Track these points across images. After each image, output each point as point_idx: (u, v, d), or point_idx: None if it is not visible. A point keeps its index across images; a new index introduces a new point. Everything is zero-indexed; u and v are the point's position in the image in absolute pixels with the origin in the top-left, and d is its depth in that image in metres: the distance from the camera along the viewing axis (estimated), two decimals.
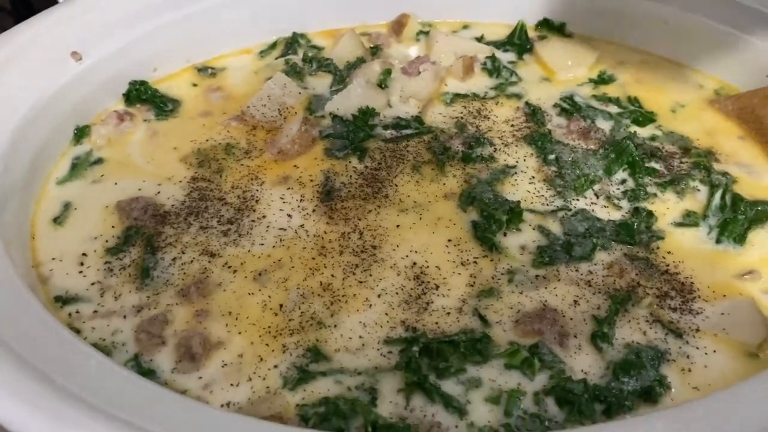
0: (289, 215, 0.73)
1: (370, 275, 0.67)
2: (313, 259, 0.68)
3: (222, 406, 0.57)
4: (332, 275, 0.67)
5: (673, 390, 0.59)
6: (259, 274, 0.67)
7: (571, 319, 0.64)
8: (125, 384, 0.52)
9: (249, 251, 0.69)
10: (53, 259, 0.69)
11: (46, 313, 0.57)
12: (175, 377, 0.59)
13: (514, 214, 0.71)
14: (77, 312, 0.64)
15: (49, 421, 0.47)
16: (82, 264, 0.68)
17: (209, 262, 0.68)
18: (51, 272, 0.68)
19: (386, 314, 0.64)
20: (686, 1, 0.95)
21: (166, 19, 0.92)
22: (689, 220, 0.74)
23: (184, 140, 0.83)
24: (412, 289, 0.66)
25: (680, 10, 0.95)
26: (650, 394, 0.58)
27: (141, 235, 0.71)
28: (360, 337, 0.62)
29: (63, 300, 0.65)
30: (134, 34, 0.89)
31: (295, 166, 0.80)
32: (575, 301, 0.66)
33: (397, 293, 0.65)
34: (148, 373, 0.59)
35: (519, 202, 0.72)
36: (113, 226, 0.72)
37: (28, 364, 0.50)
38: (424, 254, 0.69)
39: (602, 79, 0.94)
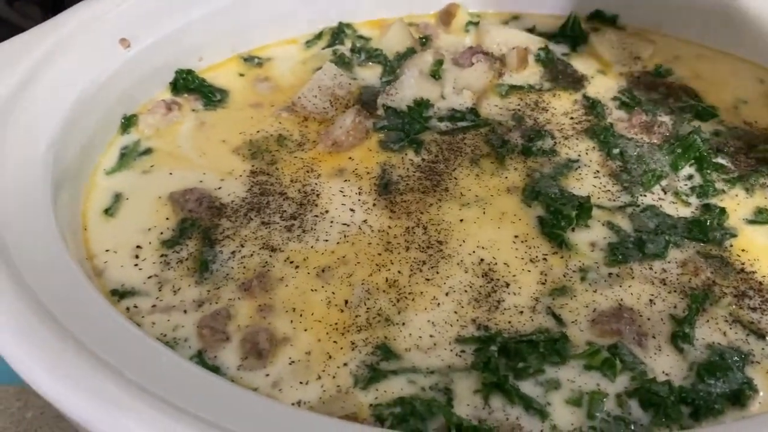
0: (352, 210, 0.70)
1: (437, 272, 0.64)
2: (379, 254, 0.66)
3: (293, 405, 0.54)
4: (399, 272, 0.64)
5: (761, 393, 0.56)
6: (323, 270, 0.64)
7: (649, 318, 0.62)
8: (199, 381, 0.49)
9: (312, 247, 0.66)
10: (107, 251, 0.67)
11: (110, 307, 0.55)
12: (242, 374, 0.57)
13: (584, 209, 0.69)
14: (135, 306, 0.62)
15: (125, 418, 0.45)
16: (137, 257, 0.66)
17: (270, 256, 0.66)
18: (105, 264, 0.65)
19: (455, 312, 0.61)
20: None
21: (212, 8, 0.89)
22: (761, 217, 0.71)
23: (233, 131, 0.81)
24: (481, 286, 0.63)
25: (742, 2, 0.93)
26: (739, 398, 0.55)
27: (197, 228, 0.69)
28: (431, 336, 0.60)
29: (120, 294, 0.63)
30: (180, 22, 0.86)
31: (350, 158, 0.77)
32: (651, 300, 0.63)
33: (466, 291, 0.63)
34: (214, 371, 0.56)
35: (589, 197, 0.70)
36: (167, 218, 0.70)
37: (99, 359, 0.48)
38: (491, 250, 0.67)
39: (659, 73, 0.91)
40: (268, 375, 0.57)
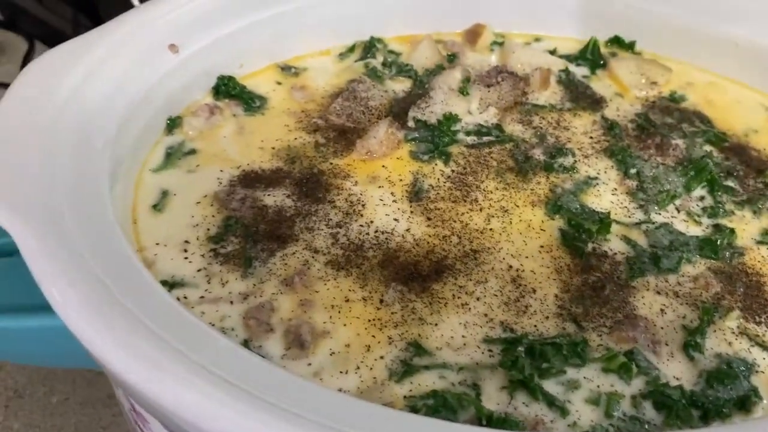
0: (396, 220, 0.75)
1: (470, 279, 0.69)
2: (419, 262, 0.70)
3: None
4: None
5: (764, 401, 0.61)
6: (363, 273, 0.69)
7: (662, 328, 0.66)
8: (254, 364, 0.53)
9: (354, 252, 0.71)
10: (157, 244, 0.71)
11: (168, 295, 0.59)
12: (285, 363, 0.61)
13: (604, 224, 0.74)
14: (185, 297, 0.66)
15: (190, 394, 0.49)
16: (185, 251, 0.70)
17: (312, 257, 0.70)
18: (155, 257, 0.70)
19: (486, 315, 0.66)
20: (759, 26, 0.98)
21: (253, 18, 0.94)
22: (767, 236, 0.77)
23: (272, 137, 0.86)
24: (510, 291, 0.68)
25: (751, 34, 0.98)
26: (745, 404, 0.60)
27: (240, 226, 0.73)
28: (462, 336, 0.64)
29: (170, 285, 0.67)
30: (224, 31, 0.91)
31: (383, 166, 0.82)
32: (662, 310, 0.68)
33: (496, 296, 0.68)
34: None
35: (609, 212, 0.75)
36: (213, 216, 0.74)
37: (166, 342, 0.52)
38: (519, 258, 0.71)
39: (674, 99, 0.97)
40: (310, 364, 0.61)
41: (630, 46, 1.05)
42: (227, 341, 0.56)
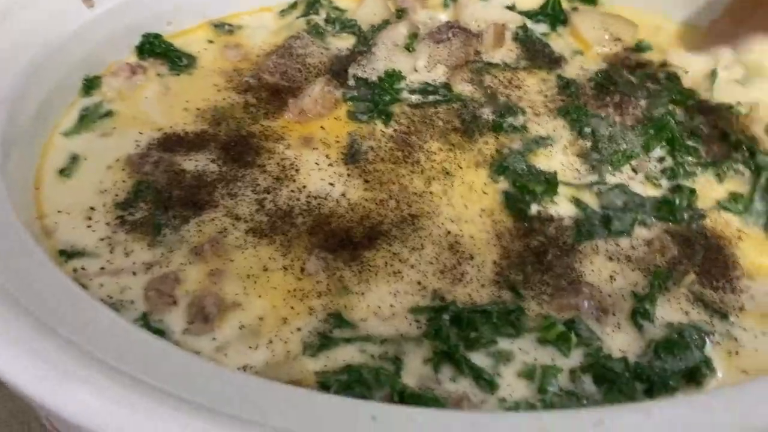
0: (331, 184, 0.68)
1: (405, 246, 0.63)
2: (352, 228, 0.64)
3: (238, 369, 0.53)
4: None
5: (719, 374, 0.55)
6: (288, 240, 0.63)
7: (609, 295, 0.60)
8: (137, 341, 0.48)
9: (281, 218, 0.65)
10: (59, 211, 0.64)
11: (53, 266, 0.53)
12: (187, 338, 0.55)
13: (550, 185, 0.67)
14: (83, 268, 0.60)
15: (64, 380, 0.43)
16: (90, 218, 0.64)
17: (232, 224, 0.64)
18: (56, 225, 0.63)
19: (419, 283, 0.60)
20: None
21: None
22: (731, 201, 0.70)
23: (198, 97, 0.79)
24: (446, 258, 0.62)
25: None
26: (695, 376, 0.54)
27: (152, 191, 0.67)
28: (391, 305, 0.58)
29: (68, 254, 0.61)
30: None
31: (321, 127, 0.75)
32: (611, 277, 0.62)
33: (431, 263, 0.62)
34: (158, 333, 0.54)
35: (555, 172, 0.69)
36: (124, 181, 0.68)
37: (39, 320, 0.46)
38: (458, 223, 0.65)
39: (639, 48, 0.90)
40: (214, 339, 0.55)
41: (592, 1, 0.98)
42: (111, 315, 0.50)
